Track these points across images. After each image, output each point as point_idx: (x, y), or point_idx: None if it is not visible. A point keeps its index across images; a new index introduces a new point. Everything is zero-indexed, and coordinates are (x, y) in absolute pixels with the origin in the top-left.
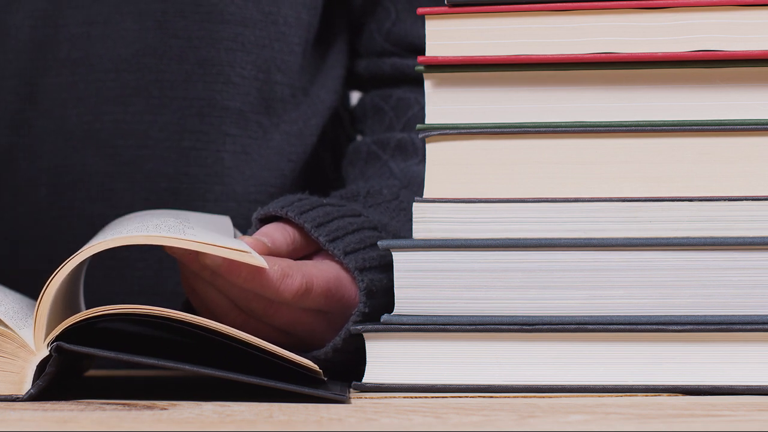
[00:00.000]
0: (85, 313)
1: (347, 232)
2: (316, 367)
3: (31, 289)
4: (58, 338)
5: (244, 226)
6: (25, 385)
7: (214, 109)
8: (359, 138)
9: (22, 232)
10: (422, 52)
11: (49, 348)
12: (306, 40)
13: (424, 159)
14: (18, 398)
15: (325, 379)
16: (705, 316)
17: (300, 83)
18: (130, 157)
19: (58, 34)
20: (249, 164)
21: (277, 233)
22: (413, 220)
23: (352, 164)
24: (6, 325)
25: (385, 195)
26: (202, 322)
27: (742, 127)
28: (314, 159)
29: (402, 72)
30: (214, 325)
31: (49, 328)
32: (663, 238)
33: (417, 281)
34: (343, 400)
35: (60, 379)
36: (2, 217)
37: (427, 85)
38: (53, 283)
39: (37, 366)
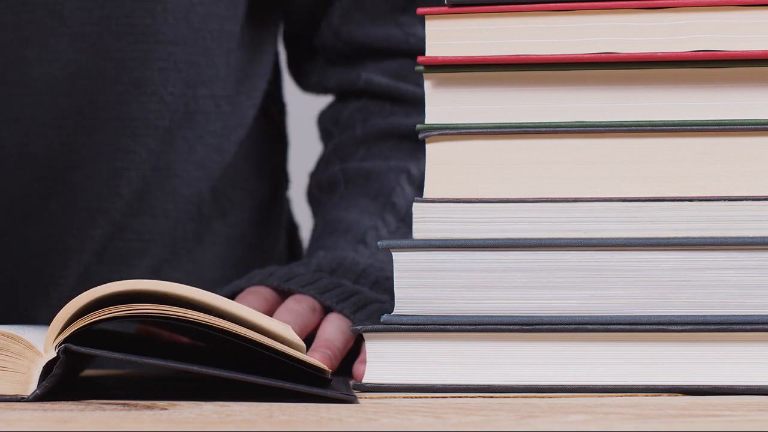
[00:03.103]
0: (93, 315)
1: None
2: (323, 365)
3: None
4: (66, 340)
5: (156, 240)
6: (31, 386)
7: (147, 129)
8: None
9: None
10: (371, 50)
11: (57, 350)
12: (229, 49)
13: (350, 184)
14: (23, 398)
15: (330, 378)
16: (705, 316)
17: (224, 92)
18: (63, 178)
19: None
20: (171, 180)
21: (332, 332)
22: (413, 220)
23: (313, 204)
24: (6, 333)
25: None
26: (210, 321)
27: (742, 127)
28: (232, 172)
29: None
30: (222, 324)
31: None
32: (663, 238)
33: (417, 281)
34: (352, 400)
35: (64, 380)
36: None
37: (427, 85)
38: (86, 295)
39: (44, 367)
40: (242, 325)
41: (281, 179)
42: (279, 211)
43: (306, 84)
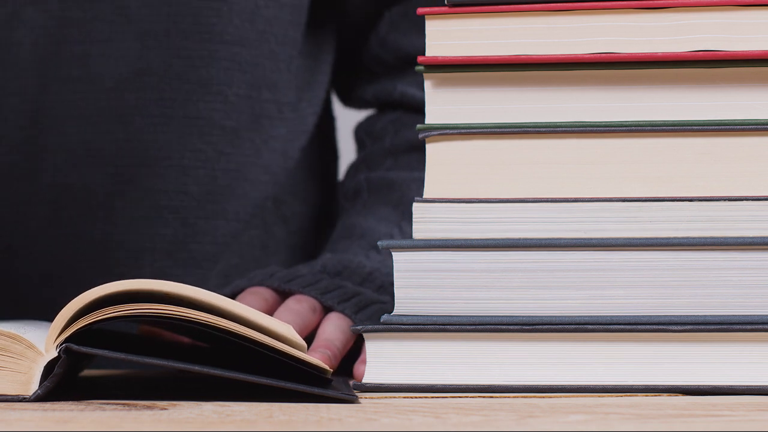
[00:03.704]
0: (95, 315)
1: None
2: (324, 365)
3: (28, 306)
4: (67, 340)
5: (230, 244)
6: (32, 386)
7: (213, 128)
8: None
9: (21, 250)
10: (414, 61)
11: (58, 350)
12: (291, 56)
13: (372, 192)
14: (25, 399)
15: (331, 378)
16: (705, 316)
17: (286, 98)
18: (131, 176)
19: (59, 52)
20: (241, 183)
21: (332, 331)
22: (413, 220)
23: (339, 212)
24: (8, 333)
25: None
26: (211, 320)
27: (742, 127)
28: (292, 180)
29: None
30: (224, 323)
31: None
32: (663, 238)
33: (417, 281)
34: (353, 400)
35: (65, 380)
36: (1, 234)
37: (427, 85)
38: (87, 295)
39: (45, 367)
40: (244, 325)
41: (335, 192)
42: (335, 223)
43: (347, 98)
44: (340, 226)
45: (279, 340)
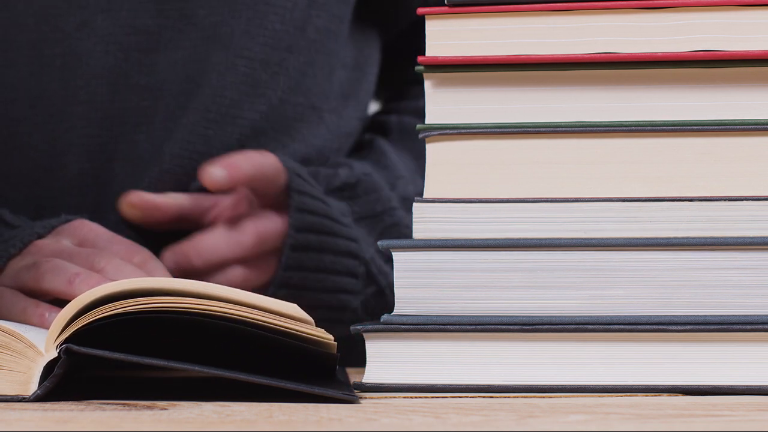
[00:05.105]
0: (94, 313)
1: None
2: (331, 338)
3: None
4: (67, 340)
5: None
6: (32, 386)
7: (256, 132)
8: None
9: None
10: None
11: (58, 350)
12: (330, 65)
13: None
14: (24, 399)
15: (338, 354)
16: (705, 316)
17: (326, 105)
18: (189, 179)
19: (128, 60)
20: None
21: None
22: (413, 220)
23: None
24: (9, 330)
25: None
26: (213, 307)
27: (742, 127)
28: None
29: None
30: (231, 310)
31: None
32: (663, 238)
33: (417, 281)
34: (353, 400)
35: (65, 380)
36: None
37: (427, 85)
38: (89, 294)
39: (45, 367)
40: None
41: None
42: None
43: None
44: (395, 125)
45: (287, 320)
